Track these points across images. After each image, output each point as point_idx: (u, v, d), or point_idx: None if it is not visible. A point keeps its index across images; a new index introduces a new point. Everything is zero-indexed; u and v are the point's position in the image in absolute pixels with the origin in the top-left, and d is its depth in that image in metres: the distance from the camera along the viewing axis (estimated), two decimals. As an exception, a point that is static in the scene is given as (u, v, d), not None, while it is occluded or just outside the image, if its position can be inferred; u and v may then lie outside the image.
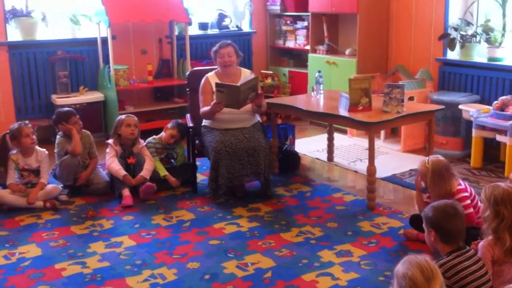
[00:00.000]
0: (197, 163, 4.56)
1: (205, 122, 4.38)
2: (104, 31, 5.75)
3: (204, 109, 4.29)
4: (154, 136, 4.63)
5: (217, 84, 4.12)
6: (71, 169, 4.28)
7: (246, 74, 4.39)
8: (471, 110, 4.91)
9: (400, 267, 1.98)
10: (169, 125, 4.60)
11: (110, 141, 4.45)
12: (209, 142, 4.21)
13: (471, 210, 3.23)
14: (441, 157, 3.36)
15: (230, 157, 4.10)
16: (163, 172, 4.41)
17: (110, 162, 4.33)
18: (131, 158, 4.36)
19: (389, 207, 4.05)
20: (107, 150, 4.44)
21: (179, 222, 3.85)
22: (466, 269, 2.39)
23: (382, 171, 4.59)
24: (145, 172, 4.30)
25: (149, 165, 4.36)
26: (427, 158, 3.37)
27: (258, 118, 4.47)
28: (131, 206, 4.10)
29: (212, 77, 4.37)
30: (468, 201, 3.25)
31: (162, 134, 4.60)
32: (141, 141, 4.50)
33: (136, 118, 4.51)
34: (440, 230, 2.49)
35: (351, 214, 3.94)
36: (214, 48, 4.40)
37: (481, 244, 2.59)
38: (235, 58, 4.37)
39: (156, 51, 6.24)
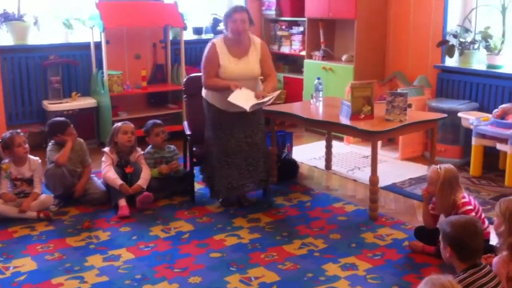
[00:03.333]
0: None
1: (207, 97, 4.09)
2: (97, 36, 5.64)
3: (213, 82, 3.97)
4: (150, 146, 4.53)
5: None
6: (56, 179, 4.15)
7: (256, 46, 4.04)
8: (471, 118, 4.87)
9: None
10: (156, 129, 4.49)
11: (106, 149, 4.35)
12: (209, 137, 4.09)
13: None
14: (452, 166, 3.30)
15: (229, 166, 4.02)
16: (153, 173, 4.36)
17: (106, 171, 4.22)
18: (128, 167, 4.26)
19: (391, 217, 3.99)
20: (103, 158, 4.32)
21: (178, 233, 3.75)
22: (483, 286, 2.33)
23: (382, 180, 4.50)
24: (142, 181, 4.20)
25: (146, 174, 4.26)
26: (439, 165, 3.30)
27: None
28: (128, 217, 4.00)
29: (219, 44, 3.99)
30: (473, 214, 3.19)
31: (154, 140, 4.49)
32: (138, 149, 4.40)
33: (132, 125, 4.41)
34: (458, 247, 2.42)
35: (354, 225, 3.87)
36: (226, 12, 4.02)
37: (496, 260, 2.53)
38: (247, 25, 3.96)
39: (150, 56, 6.13)
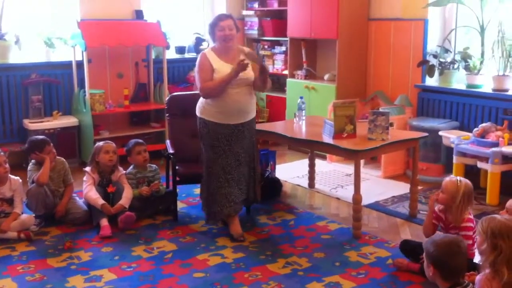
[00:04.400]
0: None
1: (203, 114, 3.96)
2: (79, 55, 5.62)
3: (210, 84, 3.83)
4: (132, 166, 4.49)
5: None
6: (38, 199, 4.09)
7: (244, 52, 3.94)
8: (452, 137, 4.93)
9: None
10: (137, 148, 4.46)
11: (88, 168, 4.30)
12: (207, 158, 3.98)
13: (470, 242, 3.19)
14: (469, 182, 3.33)
15: (229, 184, 3.95)
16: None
17: (88, 191, 4.18)
18: (110, 187, 4.22)
19: (375, 235, 3.99)
20: (84, 178, 4.28)
21: (160, 253, 3.71)
22: (466, 305, 2.34)
23: (365, 198, 4.50)
24: (124, 201, 4.16)
25: (128, 193, 4.22)
26: (458, 177, 3.32)
27: (255, 109, 4.12)
28: (110, 237, 3.95)
29: (209, 53, 3.94)
30: (471, 233, 3.22)
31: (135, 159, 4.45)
32: (120, 168, 4.37)
33: (114, 145, 4.38)
34: (441, 267, 2.43)
35: (337, 244, 3.87)
36: (211, 22, 3.94)
37: (479, 278, 2.53)
38: (235, 32, 3.92)
39: (132, 75, 6.12)
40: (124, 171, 4.39)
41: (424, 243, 2.60)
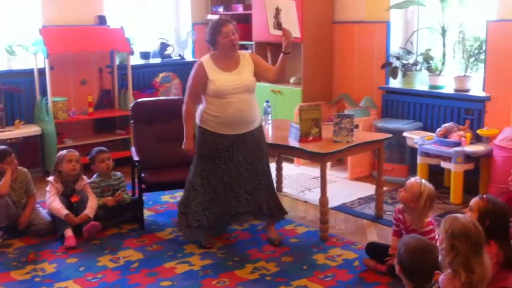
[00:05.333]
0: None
1: (202, 123, 3.79)
2: (41, 62, 5.52)
3: (186, 114, 3.80)
4: (95, 175, 4.43)
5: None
6: (0, 211, 4.00)
7: (246, 58, 3.81)
8: (416, 137, 4.99)
9: None
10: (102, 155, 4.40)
11: (51, 178, 4.22)
12: (202, 169, 3.79)
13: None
14: (431, 185, 3.34)
15: (226, 194, 3.80)
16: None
17: (51, 201, 4.10)
18: (74, 196, 4.15)
19: (342, 237, 4.02)
20: (48, 188, 4.20)
21: (127, 263, 3.66)
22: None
23: (332, 200, 4.54)
24: (89, 210, 4.09)
25: (93, 202, 4.15)
26: (422, 180, 3.32)
27: (259, 117, 3.93)
28: (75, 247, 3.88)
29: (207, 62, 3.73)
30: (433, 234, 3.25)
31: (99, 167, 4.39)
32: (84, 177, 4.29)
33: (77, 153, 4.31)
34: (408, 270, 2.44)
35: (305, 247, 3.88)
36: (212, 28, 3.70)
37: (442, 277, 2.56)
38: (237, 36, 3.73)
39: (96, 82, 6.04)
40: (88, 180, 4.32)
41: (400, 240, 2.61)
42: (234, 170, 3.79)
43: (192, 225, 3.83)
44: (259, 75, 3.87)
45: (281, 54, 3.80)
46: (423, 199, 3.25)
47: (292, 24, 3.77)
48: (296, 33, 3.80)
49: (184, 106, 3.84)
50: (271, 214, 3.96)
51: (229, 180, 3.79)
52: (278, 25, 3.75)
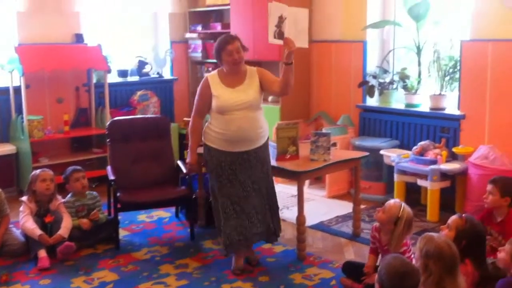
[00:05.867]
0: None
1: (207, 140, 3.78)
2: (17, 80, 5.46)
3: (191, 130, 3.84)
4: (70, 194, 4.37)
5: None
6: None
7: (252, 73, 3.75)
8: (392, 155, 5.02)
9: None
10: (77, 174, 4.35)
11: (24, 198, 4.16)
12: (211, 186, 3.79)
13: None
14: (410, 209, 3.33)
15: (237, 215, 3.71)
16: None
17: (25, 221, 4.03)
18: (48, 216, 4.08)
19: (319, 256, 4.00)
20: (21, 208, 4.13)
21: (101, 284, 3.60)
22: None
23: (310, 218, 4.54)
24: (63, 231, 4.02)
25: (67, 222, 4.09)
26: (402, 203, 3.31)
27: (266, 135, 3.84)
28: (48, 268, 3.81)
29: (213, 78, 3.74)
30: (408, 254, 3.25)
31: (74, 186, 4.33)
32: (59, 197, 4.23)
33: (51, 172, 4.25)
34: None
35: (282, 266, 3.85)
36: (217, 45, 3.68)
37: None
38: (242, 54, 3.70)
39: (73, 100, 5.99)
40: (63, 200, 4.26)
41: (383, 259, 2.57)
42: (241, 190, 3.71)
43: (224, 243, 3.78)
44: (265, 89, 3.79)
45: (283, 65, 3.69)
46: (401, 224, 3.24)
47: (300, 33, 3.66)
48: (304, 42, 3.70)
49: (190, 121, 3.87)
50: (271, 236, 3.91)
51: (237, 199, 3.71)
52: (280, 34, 3.61)
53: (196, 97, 3.83)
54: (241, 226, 3.71)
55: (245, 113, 3.66)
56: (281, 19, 3.60)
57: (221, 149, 3.70)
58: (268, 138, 3.86)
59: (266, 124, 3.83)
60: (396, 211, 3.27)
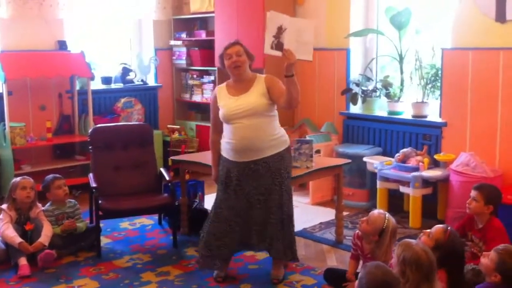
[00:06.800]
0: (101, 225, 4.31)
1: (221, 151, 3.69)
2: (-1, 87, 5.43)
3: (211, 146, 3.78)
4: (49, 203, 4.33)
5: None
6: None
7: (260, 81, 3.62)
8: (375, 162, 5.05)
9: None
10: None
11: (4, 206, 4.12)
12: (217, 196, 3.70)
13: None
14: (393, 219, 3.34)
15: (240, 228, 3.65)
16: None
17: (4, 229, 3.99)
18: (28, 224, 4.04)
19: (302, 263, 3.99)
20: (0, 216, 4.08)
21: (82, 292, 3.58)
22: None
23: (293, 225, 4.57)
24: (44, 239, 3.99)
25: (48, 230, 4.05)
26: (386, 214, 3.31)
27: (283, 144, 3.67)
28: (29, 276, 3.77)
29: (220, 89, 3.69)
30: (391, 261, 3.25)
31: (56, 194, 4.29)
32: (39, 205, 4.20)
33: (32, 180, 4.22)
34: None
35: (265, 273, 3.84)
36: (221, 52, 3.63)
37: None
38: (245, 58, 3.57)
39: (56, 107, 5.96)
40: (43, 207, 4.22)
41: (365, 266, 2.55)
42: (245, 201, 3.60)
43: (203, 254, 3.73)
44: (273, 101, 3.63)
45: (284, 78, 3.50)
46: (387, 235, 3.25)
47: (304, 46, 3.47)
48: (308, 55, 3.51)
49: (210, 137, 3.82)
50: (275, 251, 3.68)
51: (240, 211, 3.62)
52: (278, 45, 3.41)
53: (210, 113, 3.79)
54: (239, 234, 3.66)
55: (250, 120, 3.52)
56: (280, 30, 3.41)
57: (230, 159, 3.62)
58: (286, 148, 3.68)
59: (281, 131, 3.68)
60: (381, 222, 3.27)
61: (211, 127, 3.81)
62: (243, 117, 3.53)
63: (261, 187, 3.58)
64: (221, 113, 3.62)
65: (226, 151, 3.65)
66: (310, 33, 3.50)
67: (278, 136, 3.64)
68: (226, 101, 3.62)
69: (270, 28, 3.42)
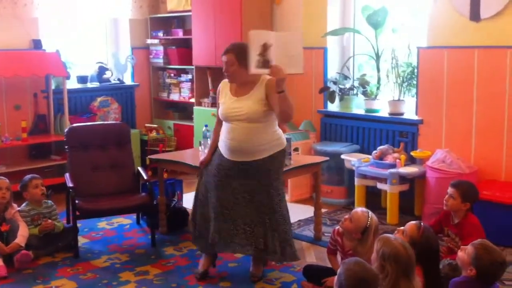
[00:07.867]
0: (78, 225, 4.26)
1: (219, 143, 3.73)
2: (-28, 86, 5.34)
3: (213, 134, 3.83)
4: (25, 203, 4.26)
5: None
6: None
7: (262, 83, 3.52)
8: (353, 159, 5.09)
9: None
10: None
11: (-21, 207, 4.05)
12: (205, 180, 3.75)
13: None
14: (375, 216, 3.35)
15: (225, 219, 3.62)
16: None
17: (-21, 230, 3.93)
18: (4, 225, 3.98)
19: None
20: (-25, 217, 4.02)
21: (59, 293, 3.54)
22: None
23: (272, 223, 4.57)
24: (20, 239, 3.94)
25: (24, 231, 4.00)
26: (369, 212, 3.31)
27: (276, 147, 3.63)
28: (6, 277, 3.72)
29: (224, 85, 3.69)
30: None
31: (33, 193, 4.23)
32: (14, 205, 4.14)
33: (7, 181, 4.15)
34: None
35: (244, 271, 3.84)
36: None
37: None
38: (236, 68, 3.47)
39: (31, 107, 5.87)
40: (19, 208, 4.16)
41: (343, 263, 2.53)
42: (231, 196, 3.61)
43: (195, 235, 3.83)
44: (270, 109, 3.54)
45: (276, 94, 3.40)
46: (371, 233, 3.25)
47: (293, 59, 3.34)
48: (298, 68, 3.37)
49: (215, 124, 3.87)
50: (268, 251, 3.64)
51: (226, 203, 3.62)
52: (265, 63, 3.26)
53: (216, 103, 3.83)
54: (224, 230, 3.63)
55: (243, 124, 3.51)
56: (265, 47, 3.25)
57: (223, 154, 3.65)
58: (280, 150, 3.66)
59: (276, 136, 3.64)
60: (364, 221, 3.27)
61: (217, 118, 3.81)
62: (237, 120, 3.53)
63: (247, 185, 3.60)
64: (219, 111, 3.67)
65: (220, 146, 3.69)
66: (298, 45, 3.38)
67: (272, 140, 3.61)
68: (225, 100, 3.64)
69: (253, 47, 3.25)
